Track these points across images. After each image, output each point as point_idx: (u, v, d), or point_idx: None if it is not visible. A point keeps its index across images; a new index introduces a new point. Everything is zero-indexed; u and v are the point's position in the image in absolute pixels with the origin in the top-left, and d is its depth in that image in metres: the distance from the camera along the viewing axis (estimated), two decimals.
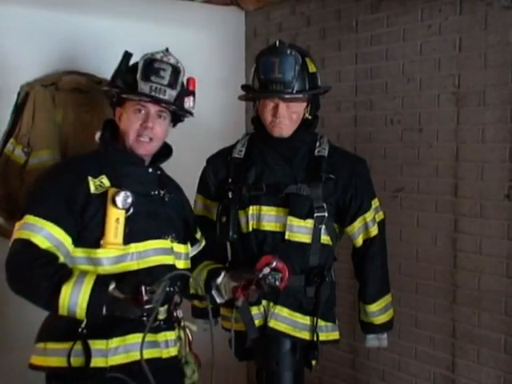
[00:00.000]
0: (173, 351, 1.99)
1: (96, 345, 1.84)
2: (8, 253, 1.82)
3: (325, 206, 2.26)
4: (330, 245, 2.35)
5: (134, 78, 1.92)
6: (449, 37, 2.73)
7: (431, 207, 2.85)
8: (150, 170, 2.01)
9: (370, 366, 3.19)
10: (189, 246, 2.12)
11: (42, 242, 1.79)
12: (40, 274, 1.76)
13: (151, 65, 1.92)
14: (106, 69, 2.98)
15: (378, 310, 2.42)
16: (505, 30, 2.53)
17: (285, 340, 2.31)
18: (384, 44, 2.99)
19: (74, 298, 1.74)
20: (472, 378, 2.75)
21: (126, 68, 1.98)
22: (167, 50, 1.98)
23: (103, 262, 1.86)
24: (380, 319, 2.43)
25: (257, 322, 2.32)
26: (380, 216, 2.44)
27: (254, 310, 2.31)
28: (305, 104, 2.26)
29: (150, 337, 1.88)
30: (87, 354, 1.82)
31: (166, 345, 1.96)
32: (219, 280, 2.11)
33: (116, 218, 1.83)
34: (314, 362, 2.35)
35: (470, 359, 2.75)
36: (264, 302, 2.32)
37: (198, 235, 2.26)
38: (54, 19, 2.95)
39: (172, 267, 1.96)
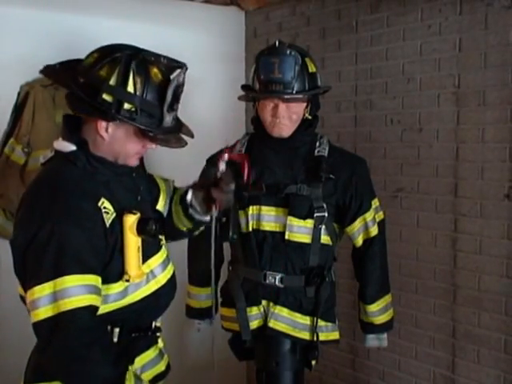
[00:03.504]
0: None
1: None
2: (53, 331, 1.54)
3: (325, 206, 2.26)
4: (330, 245, 2.35)
5: (161, 110, 1.64)
6: (449, 37, 2.73)
7: (431, 207, 2.85)
8: (134, 174, 1.81)
9: (369, 365, 3.19)
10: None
11: (96, 300, 1.58)
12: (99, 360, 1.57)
13: (177, 91, 1.67)
14: None
15: (378, 310, 2.42)
16: (505, 30, 2.53)
17: (285, 340, 2.31)
18: (384, 44, 2.99)
19: None
20: (472, 378, 2.75)
21: (141, 91, 1.62)
22: (186, 66, 1.69)
23: (109, 299, 1.65)
24: (380, 319, 2.43)
25: (257, 322, 2.32)
26: (380, 216, 2.44)
27: (254, 310, 2.32)
28: (305, 104, 2.26)
29: (155, 350, 1.82)
30: None
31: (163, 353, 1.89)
32: (188, 197, 1.90)
33: (137, 247, 1.66)
34: (313, 362, 2.35)
35: (470, 359, 2.75)
36: (264, 302, 2.32)
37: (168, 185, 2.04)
38: (53, 19, 2.95)
39: (174, 278, 1.86)
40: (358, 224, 2.36)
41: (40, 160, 1.74)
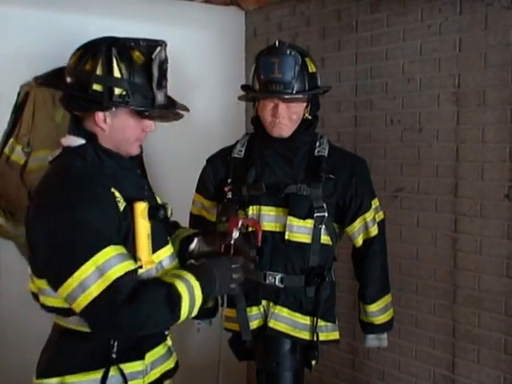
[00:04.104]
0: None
1: (131, 368, 1.73)
2: (109, 297, 1.58)
3: (325, 206, 2.26)
4: (329, 245, 2.35)
5: (150, 88, 1.68)
6: (449, 37, 2.73)
7: (431, 207, 2.85)
8: (138, 171, 1.88)
9: (369, 365, 3.19)
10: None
11: (135, 265, 1.65)
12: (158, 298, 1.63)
13: (162, 67, 1.71)
14: None
15: (378, 310, 2.42)
16: (505, 30, 2.53)
17: (285, 340, 2.31)
18: (384, 44, 2.99)
19: (192, 306, 1.68)
20: (472, 378, 2.75)
21: (126, 74, 1.67)
22: (165, 42, 1.74)
23: None
24: (380, 319, 2.44)
25: (257, 322, 2.32)
26: (380, 216, 2.44)
27: (254, 310, 2.32)
28: (304, 104, 2.26)
29: (164, 347, 1.86)
30: (124, 379, 1.70)
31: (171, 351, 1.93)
32: (192, 247, 1.96)
33: (148, 234, 1.70)
34: (313, 362, 2.36)
35: (469, 359, 2.75)
36: (264, 302, 2.32)
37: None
38: (53, 19, 2.96)
39: None
40: (357, 224, 2.36)
41: (48, 158, 1.77)
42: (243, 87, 2.41)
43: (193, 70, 3.36)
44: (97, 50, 1.66)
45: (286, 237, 2.27)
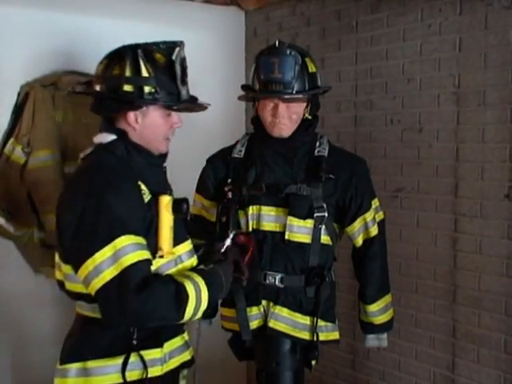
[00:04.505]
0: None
1: (150, 355, 1.80)
2: (121, 284, 1.64)
3: (325, 206, 2.26)
4: (329, 245, 2.35)
5: (175, 85, 1.82)
6: (449, 37, 2.73)
7: (431, 207, 2.85)
8: (164, 169, 1.97)
9: (369, 366, 3.19)
10: None
11: (150, 256, 1.72)
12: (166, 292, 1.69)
13: (183, 65, 1.86)
14: None
15: (378, 310, 2.42)
16: (505, 30, 2.53)
17: (285, 340, 2.31)
18: (384, 44, 2.99)
19: (198, 308, 1.74)
20: (472, 378, 2.75)
21: (152, 72, 1.80)
22: (183, 42, 1.88)
23: None
24: (380, 319, 2.44)
25: (257, 322, 2.32)
26: (380, 216, 2.44)
27: (254, 311, 2.32)
28: (304, 104, 2.26)
29: (182, 339, 1.92)
30: (144, 365, 1.78)
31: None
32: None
33: (170, 226, 1.78)
34: (313, 362, 2.35)
35: (470, 359, 2.75)
36: (264, 302, 2.32)
37: None
38: (53, 19, 2.96)
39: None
40: (357, 224, 2.36)
41: (80, 156, 1.87)
42: (243, 87, 2.41)
43: (193, 70, 3.34)
44: (122, 55, 1.80)
45: (286, 237, 2.27)
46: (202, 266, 1.88)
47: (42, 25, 2.93)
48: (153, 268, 1.75)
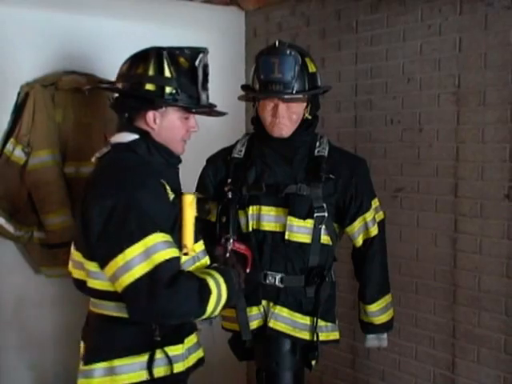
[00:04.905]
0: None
1: (174, 350, 1.83)
2: (151, 279, 1.67)
3: (325, 206, 2.26)
4: (329, 245, 2.35)
5: (196, 89, 1.88)
6: (449, 37, 2.73)
7: (431, 207, 2.85)
8: (178, 170, 2.01)
9: (370, 366, 3.19)
10: None
11: (178, 253, 1.75)
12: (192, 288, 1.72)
13: (205, 71, 1.93)
14: (106, 69, 3.00)
15: (378, 310, 2.42)
16: (505, 30, 2.53)
17: (285, 340, 2.31)
18: (384, 44, 2.99)
19: (218, 303, 1.77)
20: (472, 378, 2.74)
21: (175, 74, 1.85)
22: (207, 49, 1.93)
23: None
24: (380, 319, 2.44)
25: (256, 322, 2.32)
26: (380, 216, 2.44)
27: (254, 310, 2.32)
28: (304, 104, 2.26)
29: (196, 336, 1.96)
30: (169, 361, 1.81)
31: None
32: None
33: (193, 224, 1.82)
34: (313, 362, 2.35)
35: (469, 359, 2.75)
36: (264, 302, 2.32)
37: None
38: (53, 19, 2.95)
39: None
40: (357, 224, 2.36)
41: (96, 155, 1.88)
42: (243, 87, 2.41)
43: None
44: (147, 55, 1.84)
45: (286, 237, 2.27)
46: (215, 265, 1.93)
47: (42, 25, 2.93)
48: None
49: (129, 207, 1.69)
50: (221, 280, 1.79)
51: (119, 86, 1.87)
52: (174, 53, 1.84)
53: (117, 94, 1.91)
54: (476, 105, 2.65)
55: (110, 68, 2.96)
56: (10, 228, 2.82)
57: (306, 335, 2.32)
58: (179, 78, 1.82)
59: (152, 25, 3.21)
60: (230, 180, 2.33)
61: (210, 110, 1.95)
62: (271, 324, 2.29)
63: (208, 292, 1.73)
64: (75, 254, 1.84)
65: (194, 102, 1.86)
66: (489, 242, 2.64)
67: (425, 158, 2.86)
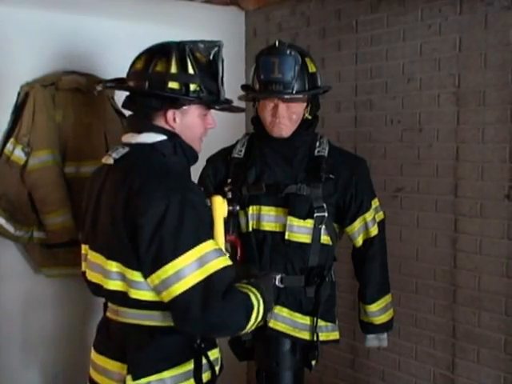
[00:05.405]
0: None
1: (213, 355, 1.80)
2: (211, 288, 1.60)
3: (325, 206, 2.26)
4: (329, 245, 2.35)
5: (216, 85, 1.81)
6: (449, 37, 2.73)
7: (431, 207, 2.85)
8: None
9: (370, 366, 3.19)
10: None
11: (229, 261, 1.69)
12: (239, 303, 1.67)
13: (223, 67, 1.85)
14: (106, 69, 3.00)
15: (378, 310, 2.42)
16: (505, 30, 2.53)
17: (285, 340, 2.31)
18: (384, 44, 2.99)
19: (257, 318, 1.70)
20: (472, 378, 2.75)
21: (197, 71, 1.78)
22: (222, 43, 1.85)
23: None
24: (380, 319, 2.44)
25: None
26: (380, 216, 2.44)
27: None
28: (304, 104, 2.26)
29: (218, 351, 1.90)
30: (212, 366, 1.78)
31: None
32: None
33: (223, 226, 1.80)
34: (313, 362, 2.35)
35: (469, 359, 2.75)
36: None
37: None
38: (53, 19, 2.95)
39: None
40: (357, 224, 2.36)
41: (113, 156, 1.76)
42: (243, 87, 2.41)
43: None
44: (167, 51, 1.75)
45: (286, 237, 2.27)
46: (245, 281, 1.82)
47: (42, 25, 2.93)
48: None
49: (183, 210, 1.60)
50: (259, 295, 1.71)
51: (132, 84, 1.78)
52: (193, 48, 1.76)
53: (127, 93, 1.83)
54: (476, 105, 2.65)
55: (110, 68, 2.99)
56: (10, 228, 2.82)
57: (306, 335, 2.32)
58: (201, 74, 1.75)
59: (152, 25, 3.20)
60: (229, 180, 2.33)
61: (230, 106, 1.90)
62: (271, 324, 2.29)
63: (251, 307, 1.66)
64: (110, 264, 1.70)
65: (215, 98, 1.80)
66: (489, 242, 2.64)
67: (425, 158, 2.86)
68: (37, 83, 2.87)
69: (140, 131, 1.77)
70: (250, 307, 1.66)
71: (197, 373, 1.73)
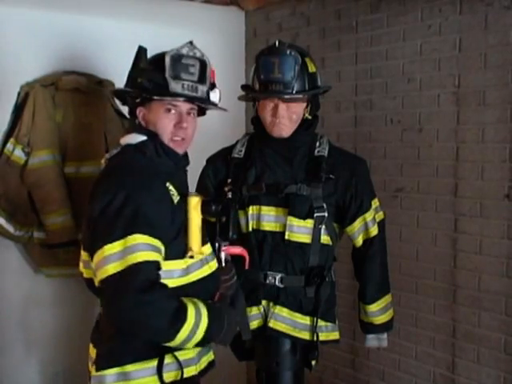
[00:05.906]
0: None
1: (184, 355, 1.80)
2: (123, 280, 1.64)
3: (325, 206, 2.26)
4: (329, 245, 2.35)
5: (163, 76, 1.79)
6: (449, 37, 2.73)
7: (431, 207, 2.85)
8: (186, 171, 1.99)
9: (369, 366, 3.19)
10: None
11: (161, 259, 1.71)
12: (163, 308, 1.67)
13: (179, 61, 1.81)
14: (106, 69, 3.00)
15: (378, 310, 2.42)
16: (505, 30, 2.53)
17: (285, 340, 2.31)
18: (384, 44, 2.99)
19: (191, 336, 1.71)
20: (472, 378, 2.75)
21: (147, 66, 1.83)
22: (191, 43, 1.88)
23: (174, 275, 1.77)
24: (380, 319, 2.43)
25: (256, 323, 2.32)
26: (380, 216, 2.44)
27: (254, 311, 2.32)
28: (304, 104, 2.26)
29: None
30: (180, 366, 1.78)
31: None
32: None
33: (199, 227, 1.81)
34: (313, 362, 2.35)
35: (469, 359, 2.75)
36: (264, 302, 2.32)
37: None
38: (53, 19, 2.95)
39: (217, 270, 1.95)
40: (357, 224, 2.36)
41: (106, 156, 1.87)
42: (243, 87, 2.41)
43: None
44: (136, 51, 1.85)
45: (286, 237, 2.27)
46: (210, 301, 1.84)
47: (42, 25, 2.93)
48: (183, 267, 1.78)
49: (124, 204, 1.67)
50: (204, 314, 1.72)
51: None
52: (161, 53, 1.83)
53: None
54: (476, 105, 2.65)
55: (110, 68, 2.99)
56: (10, 228, 2.82)
57: (306, 335, 2.32)
58: (150, 68, 1.81)
59: (152, 25, 3.21)
60: (229, 180, 2.33)
61: (188, 99, 1.83)
62: (271, 324, 2.29)
63: (183, 318, 1.66)
64: (83, 254, 1.83)
65: (161, 88, 1.80)
66: (489, 242, 2.64)
67: (425, 158, 2.86)
68: (37, 83, 2.87)
69: (129, 132, 1.88)
70: (178, 317, 1.66)
71: (159, 370, 1.75)
